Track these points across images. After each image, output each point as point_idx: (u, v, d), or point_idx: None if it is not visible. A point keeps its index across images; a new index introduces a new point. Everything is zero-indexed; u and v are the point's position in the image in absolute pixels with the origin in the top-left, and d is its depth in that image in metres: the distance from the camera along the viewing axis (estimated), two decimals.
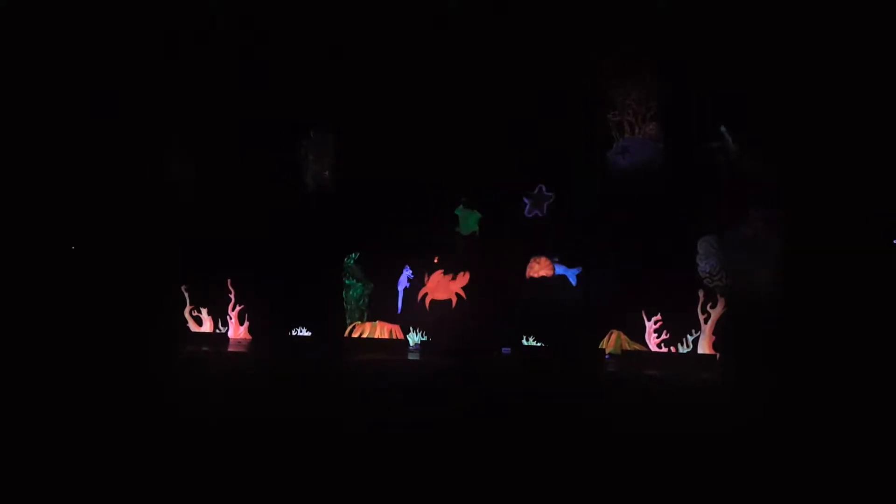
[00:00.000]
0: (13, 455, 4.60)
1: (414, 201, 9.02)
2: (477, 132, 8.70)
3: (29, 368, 6.79)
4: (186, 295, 9.11)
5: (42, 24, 8.80)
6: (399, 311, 9.02)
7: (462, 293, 8.73)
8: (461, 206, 9.05)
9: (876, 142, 7.17)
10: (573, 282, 8.51)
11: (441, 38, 8.47)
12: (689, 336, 7.51)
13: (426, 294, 8.90)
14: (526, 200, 8.69)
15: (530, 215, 8.66)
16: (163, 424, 5.28)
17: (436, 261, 8.96)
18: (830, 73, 7.25)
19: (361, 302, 8.98)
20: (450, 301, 8.78)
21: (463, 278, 8.76)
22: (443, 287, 8.82)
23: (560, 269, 8.56)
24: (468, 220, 9.00)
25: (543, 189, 8.69)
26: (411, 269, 9.07)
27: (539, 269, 8.34)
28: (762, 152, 7.56)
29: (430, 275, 8.89)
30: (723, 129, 7.73)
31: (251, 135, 9.28)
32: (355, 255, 9.07)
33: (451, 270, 8.83)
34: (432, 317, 8.84)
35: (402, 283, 9.08)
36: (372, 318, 8.94)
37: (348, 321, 8.92)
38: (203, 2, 8.59)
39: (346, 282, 9.04)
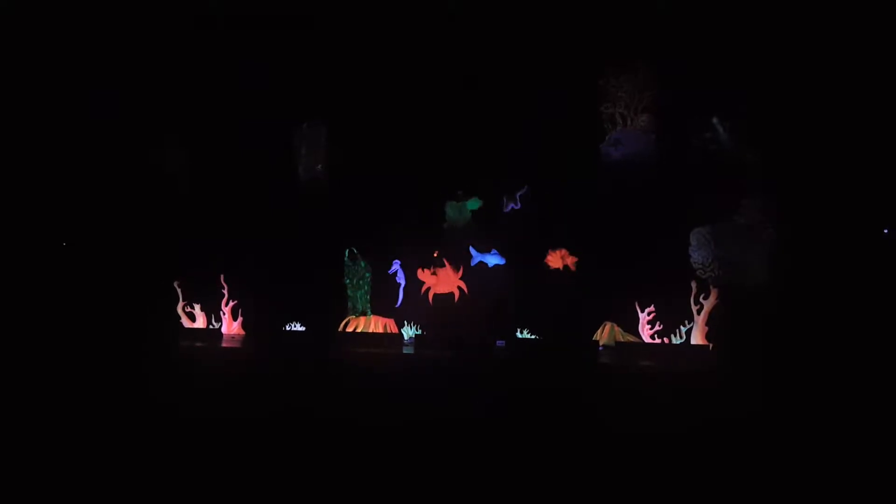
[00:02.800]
0: (11, 449, 4.58)
1: (407, 194, 8.98)
2: (470, 124, 8.67)
3: (24, 364, 6.76)
4: (179, 291, 9.05)
5: (42, 23, 8.70)
6: (398, 304, 9.00)
7: (464, 286, 8.73)
8: (452, 202, 9.00)
9: (867, 133, 7.20)
10: (490, 264, 8.71)
11: (436, 31, 8.41)
12: (682, 327, 7.53)
13: (429, 288, 8.88)
14: (504, 199, 8.72)
15: (507, 210, 8.68)
16: (158, 419, 5.28)
17: (435, 255, 8.92)
18: (825, 65, 7.28)
19: (361, 296, 8.95)
20: (452, 294, 8.78)
21: (462, 269, 8.76)
22: (445, 280, 8.80)
23: (478, 257, 8.78)
24: (463, 211, 8.97)
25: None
26: (400, 262, 9.04)
27: (557, 260, 8.36)
28: (755, 143, 7.58)
29: (432, 269, 8.85)
30: (715, 120, 7.74)
31: (244, 130, 9.21)
32: (349, 249, 9.02)
33: (452, 263, 8.81)
34: (427, 310, 8.83)
35: (399, 277, 9.07)
36: (367, 313, 8.93)
37: (348, 314, 8.90)
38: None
39: (346, 280, 9.01)
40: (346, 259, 8.99)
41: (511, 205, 8.67)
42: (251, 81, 9.02)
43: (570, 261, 8.33)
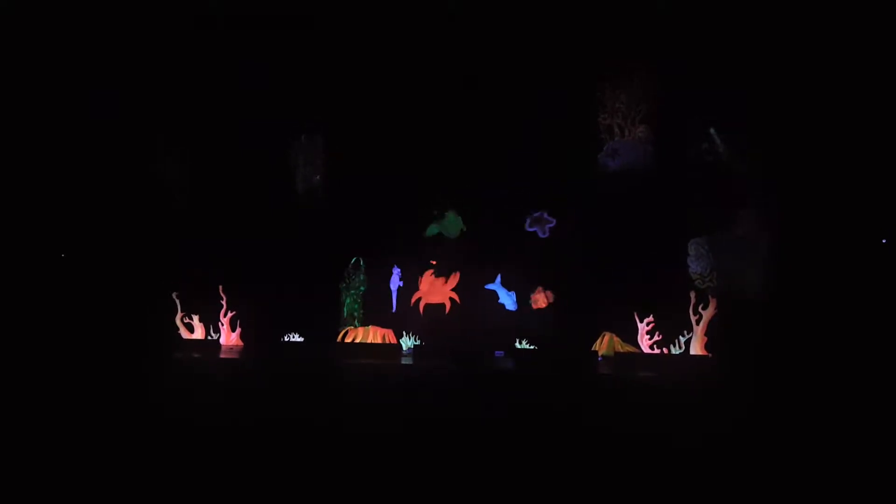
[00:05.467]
0: (6, 459, 4.55)
1: (405, 204, 8.97)
2: (468, 135, 8.67)
3: (19, 374, 6.73)
4: (178, 302, 9.04)
5: (42, 23, 8.71)
6: (394, 310, 8.96)
7: (455, 296, 8.70)
8: (436, 220, 8.99)
9: (867, 143, 7.22)
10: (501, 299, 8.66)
11: (435, 42, 8.43)
12: (681, 337, 7.53)
13: (420, 298, 8.86)
14: (527, 218, 8.69)
15: (530, 230, 8.66)
16: (156, 429, 5.25)
17: (433, 263, 8.90)
18: (823, 77, 7.30)
19: (356, 306, 8.92)
20: (443, 305, 8.75)
21: (454, 279, 8.73)
22: (436, 290, 8.78)
23: (496, 287, 8.74)
24: (452, 226, 8.93)
25: (545, 216, 8.67)
26: (400, 270, 9.01)
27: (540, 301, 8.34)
28: (752, 154, 7.61)
29: (422, 278, 8.83)
30: (712, 131, 7.78)
31: (243, 141, 9.22)
32: (354, 259, 8.99)
33: (443, 273, 8.79)
34: (425, 321, 8.80)
35: (395, 282, 9.03)
36: (365, 323, 8.90)
37: (342, 326, 8.87)
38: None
39: (342, 287, 8.98)
40: (349, 266, 8.96)
41: (536, 228, 8.63)
42: (250, 85, 8.99)
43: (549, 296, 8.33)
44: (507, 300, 8.63)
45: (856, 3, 7.02)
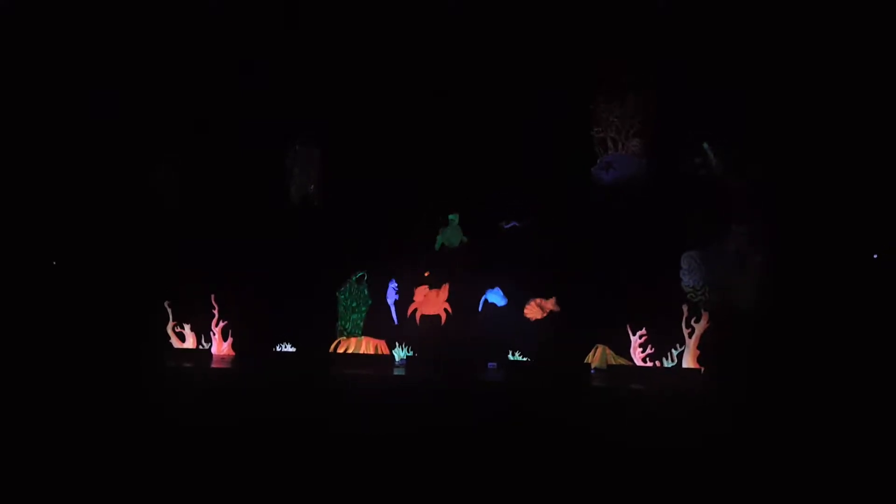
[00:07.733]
0: None
1: (402, 214, 8.96)
2: (466, 144, 8.68)
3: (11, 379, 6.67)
4: (169, 310, 8.98)
5: (41, 23, 8.69)
6: (396, 323, 8.95)
7: (449, 307, 8.68)
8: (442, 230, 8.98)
9: (861, 161, 7.26)
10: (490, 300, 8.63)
11: (432, 48, 8.46)
12: (673, 350, 7.54)
13: (415, 310, 8.83)
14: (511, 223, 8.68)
15: (507, 227, 8.64)
16: (147, 441, 5.21)
17: (426, 275, 8.88)
18: (822, 92, 7.34)
19: (355, 319, 8.87)
20: (439, 316, 8.72)
21: (445, 291, 8.70)
22: (431, 301, 8.76)
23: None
24: (453, 236, 8.91)
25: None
26: (396, 282, 8.98)
27: (534, 311, 8.34)
28: (746, 168, 7.66)
29: (417, 289, 8.81)
30: (705, 145, 7.84)
31: (236, 149, 9.19)
32: (358, 273, 8.95)
33: (437, 284, 8.78)
34: (418, 332, 8.77)
35: (391, 296, 9.01)
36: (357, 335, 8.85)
37: (339, 336, 8.81)
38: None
39: (343, 301, 8.92)
40: (352, 280, 8.90)
41: (514, 222, 8.62)
42: (245, 100, 8.99)
43: (549, 304, 8.31)
44: (496, 297, 8.59)
45: (858, 9, 7.06)
